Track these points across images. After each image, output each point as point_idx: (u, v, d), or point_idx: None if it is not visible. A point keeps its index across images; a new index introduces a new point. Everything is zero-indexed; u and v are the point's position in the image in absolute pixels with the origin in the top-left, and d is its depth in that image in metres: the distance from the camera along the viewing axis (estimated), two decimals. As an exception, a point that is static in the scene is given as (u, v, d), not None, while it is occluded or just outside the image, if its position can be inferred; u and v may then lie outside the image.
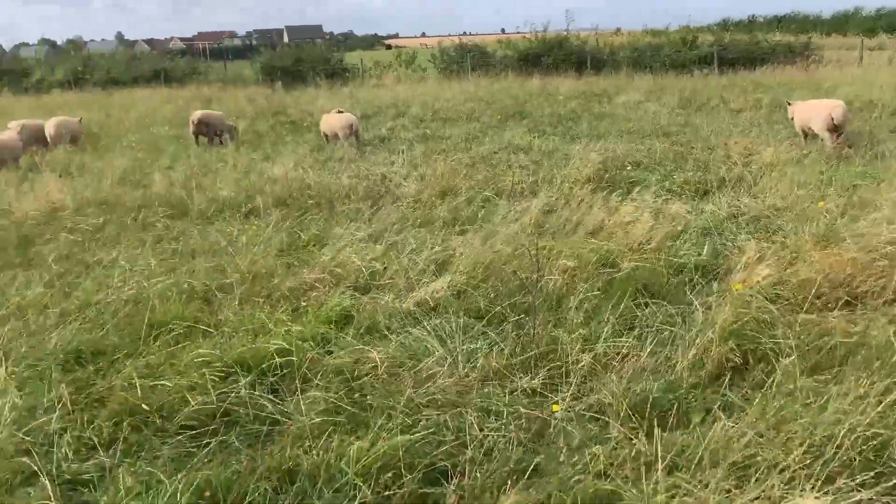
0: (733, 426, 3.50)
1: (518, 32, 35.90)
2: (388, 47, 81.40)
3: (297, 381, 4.29)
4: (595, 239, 6.56)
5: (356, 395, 4.14)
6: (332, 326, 5.11)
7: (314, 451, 3.52)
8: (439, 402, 4.02)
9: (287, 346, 4.61)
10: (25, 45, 79.08)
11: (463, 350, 4.57)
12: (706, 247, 6.40)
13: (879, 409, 3.37)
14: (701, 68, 26.26)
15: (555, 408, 3.81)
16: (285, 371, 4.45)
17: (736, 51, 26.91)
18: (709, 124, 14.11)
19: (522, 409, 3.85)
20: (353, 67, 32.09)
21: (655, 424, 3.71)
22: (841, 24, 55.80)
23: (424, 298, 5.44)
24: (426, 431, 3.66)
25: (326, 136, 14.00)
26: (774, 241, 6.34)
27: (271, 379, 4.37)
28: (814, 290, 4.87)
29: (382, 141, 14.45)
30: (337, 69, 31.17)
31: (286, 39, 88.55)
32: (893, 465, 3.20)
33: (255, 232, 7.46)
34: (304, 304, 5.53)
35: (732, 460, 3.24)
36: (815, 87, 18.16)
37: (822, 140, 10.73)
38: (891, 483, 3.05)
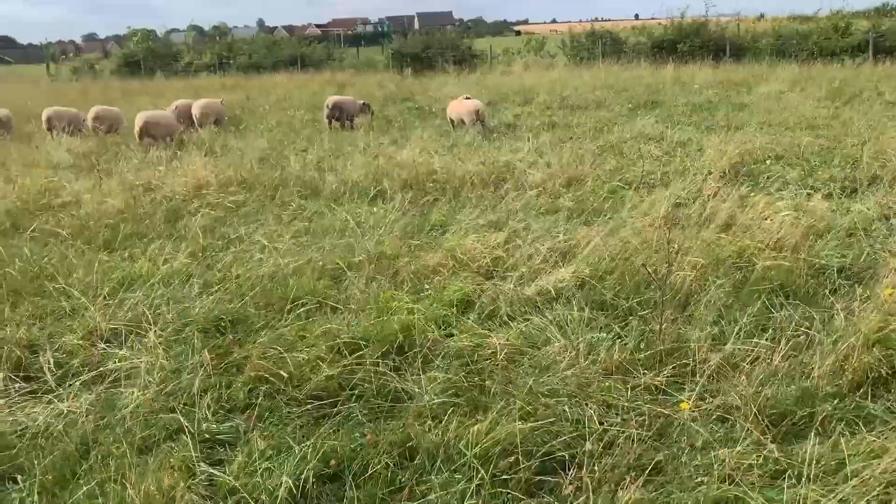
0: (875, 440, 3.27)
1: (653, 18, 34.73)
2: (518, 33, 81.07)
3: (418, 361, 4.38)
4: (728, 235, 6.28)
5: (475, 379, 4.18)
6: (453, 310, 5.18)
7: (434, 431, 3.60)
8: (559, 392, 3.99)
9: (410, 326, 4.73)
10: (176, 30, 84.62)
11: (584, 341, 4.51)
12: (852, 248, 5.99)
13: None
14: (853, 57, 24.38)
15: (683, 406, 3.69)
16: (407, 350, 4.57)
17: (895, 38, 24.76)
18: (860, 117, 13.11)
19: (645, 406, 3.75)
20: (481, 54, 32.17)
21: (787, 431, 3.56)
22: None
23: (546, 287, 5.41)
24: (545, 420, 3.65)
25: (453, 121, 14.15)
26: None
27: (394, 357, 4.49)
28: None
29: (508, 128, 14.43)
30: (465, 56, 31.35)
31: (417, 26, 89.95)
32: None
33: (381, 214, 7.67)
34: (427, 286, 5.64)
35: (874, 476, 3.02)
36: None
37: None
38: None
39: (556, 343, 4.53)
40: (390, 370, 4.32)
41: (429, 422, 3.70)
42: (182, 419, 3.80)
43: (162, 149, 12.21)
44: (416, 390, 4.06)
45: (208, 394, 4.10)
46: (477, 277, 5.77)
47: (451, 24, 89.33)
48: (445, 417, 3.71)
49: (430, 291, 5.51)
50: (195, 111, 15.17)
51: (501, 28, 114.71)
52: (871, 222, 6.76)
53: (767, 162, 9.51)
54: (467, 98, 14.50)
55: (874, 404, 3.72)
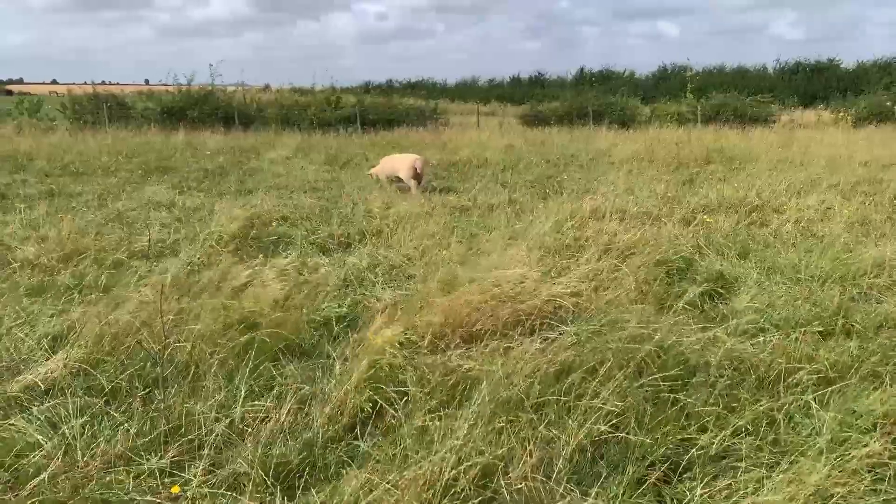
0: (367, 476, 3.58)
1: (163, 85, 34.24)
2: (10, 93, 72.31)
3: None
4: (237, 298, 6.37)
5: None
6: None
7: None
8: (45, 502, 3.47)
9: None
10: None
11: (83, 435, 4.04)
12: (348, 297, 6.63)
13: (487, 437, 3.72)
14: (346, 127, 27.72)
15: (174, 489, 3.52)
16: None
17: (375, 112, 29.01)
18: (353, 180, 14.85)
19: (140, 498, 3.48)
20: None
21: (292, 486, 3.68)
22: (463, 92, 64.30)
23: (34, 381, 4.73)
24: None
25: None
26: (408, 289, 6.79)
27: None
28: (437, 332, 5.29)
29: (-6, 199, 12.56)
30: (-65, 115, 26.56)
31: None
32: (500, 488, 3.53)
33: None
34: None
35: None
36: (441, 147, 20.26)
37: (409, 185, 13.11)
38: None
39: (46, 444, 3.95)
40: None
41: None
42: None
43: None
44: None
45: None
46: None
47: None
48: None
49: None
50: None
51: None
52: (362, 273, 7.59)
53: (274, 224, 10.04)
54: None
55: (364, 442, 4.08)
